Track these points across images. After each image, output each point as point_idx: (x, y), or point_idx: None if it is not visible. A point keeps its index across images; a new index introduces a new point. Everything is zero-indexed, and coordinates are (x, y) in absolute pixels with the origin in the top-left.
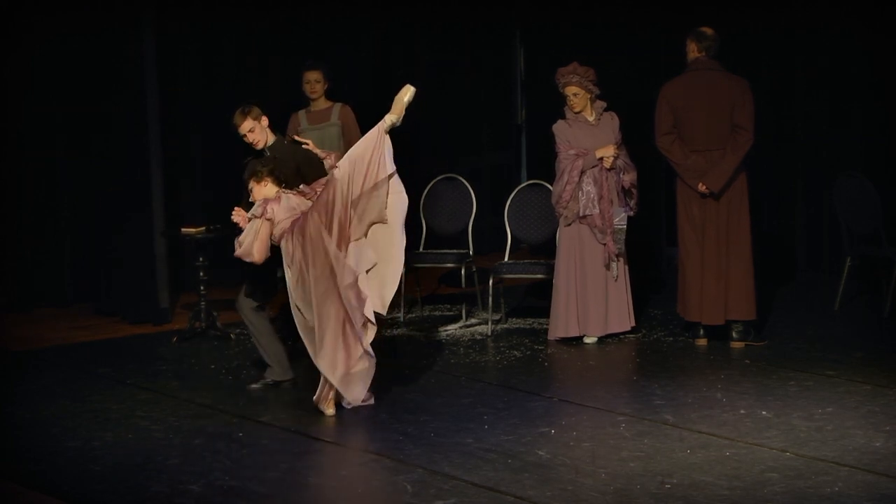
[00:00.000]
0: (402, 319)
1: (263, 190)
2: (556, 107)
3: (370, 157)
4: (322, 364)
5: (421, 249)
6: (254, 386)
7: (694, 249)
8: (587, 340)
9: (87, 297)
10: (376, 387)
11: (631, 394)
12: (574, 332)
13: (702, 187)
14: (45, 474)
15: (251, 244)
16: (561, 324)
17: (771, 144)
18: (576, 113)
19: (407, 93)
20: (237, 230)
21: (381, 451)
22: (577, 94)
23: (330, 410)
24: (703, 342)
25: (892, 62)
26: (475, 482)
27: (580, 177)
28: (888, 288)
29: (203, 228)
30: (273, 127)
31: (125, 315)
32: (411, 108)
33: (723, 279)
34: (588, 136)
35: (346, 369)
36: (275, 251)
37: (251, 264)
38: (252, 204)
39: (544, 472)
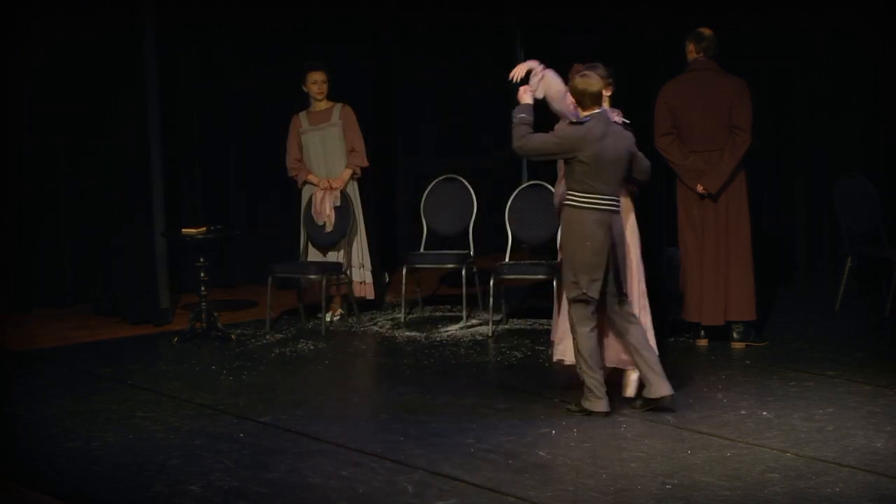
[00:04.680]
0: (402, 320)
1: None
2: None
3: None
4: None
5: (421, 250)
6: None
7: (694, 250)
8: None
9: (87, 297)
10: (377, 388)
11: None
12: None
13: (700, 188)
14: (45, 474)
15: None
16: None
17: (771, 144)
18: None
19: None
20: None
21: (381, 451)
22: None
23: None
24: (703, 343)
25: (893, 62)
26: (476, 483)
27: None
28: (888, 288)
29: (203, 229)
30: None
31: (125, 315)
32: (412, 107)
33: (722, 280)
34: None
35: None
36: None
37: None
38: None
39: (545, 473)
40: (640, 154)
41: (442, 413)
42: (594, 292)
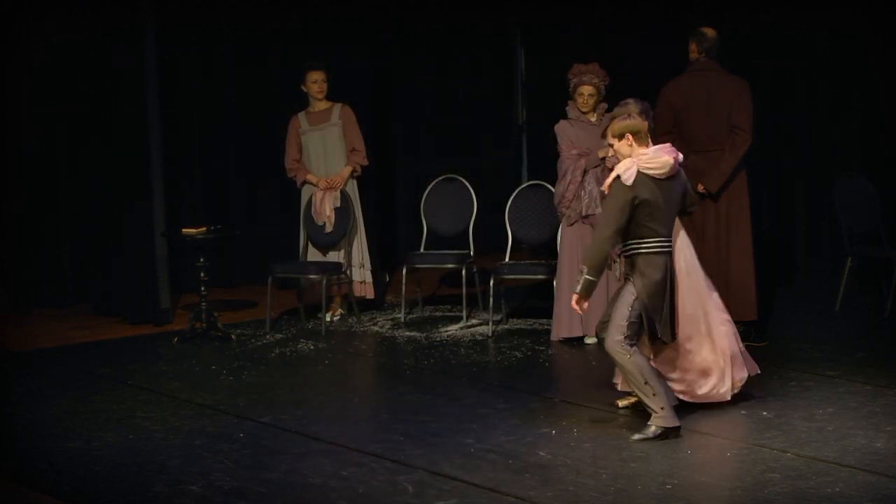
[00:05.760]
0: (402, 320)
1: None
2: (557, 107)
3: None
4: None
5: (422, 250)
6: (637, 437)
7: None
8: (588, 341)
9: (87, 297)
10: (377, 388)
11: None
12: (577, 333)
13: (700, 188)
14: (45, 474)
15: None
16: (564, 324)
17: (771, 144)
18: (582, 112)
19: None
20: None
21: (381, 451)
22: (592, 95)
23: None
24: None
25: (892, 62)
26: (476, 483)
27: (583, 176)
28: (888, 288)
29: (203, 228)
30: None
31: (125, 315)
32: (412, 107)
33: (723, 280)
34: (590, 137)
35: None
36: None
37: None
38: None
39: (545, 473)
40: (689, 188)
41: (442, 413)
42: (667, 336)
